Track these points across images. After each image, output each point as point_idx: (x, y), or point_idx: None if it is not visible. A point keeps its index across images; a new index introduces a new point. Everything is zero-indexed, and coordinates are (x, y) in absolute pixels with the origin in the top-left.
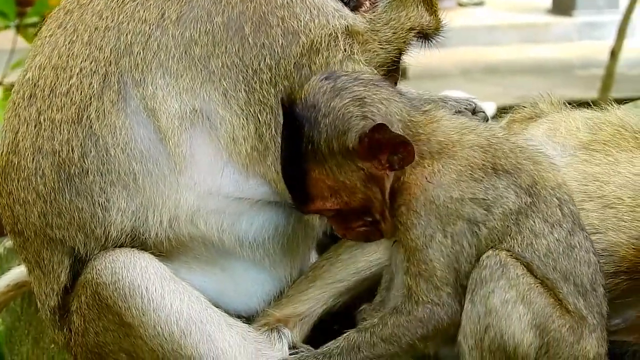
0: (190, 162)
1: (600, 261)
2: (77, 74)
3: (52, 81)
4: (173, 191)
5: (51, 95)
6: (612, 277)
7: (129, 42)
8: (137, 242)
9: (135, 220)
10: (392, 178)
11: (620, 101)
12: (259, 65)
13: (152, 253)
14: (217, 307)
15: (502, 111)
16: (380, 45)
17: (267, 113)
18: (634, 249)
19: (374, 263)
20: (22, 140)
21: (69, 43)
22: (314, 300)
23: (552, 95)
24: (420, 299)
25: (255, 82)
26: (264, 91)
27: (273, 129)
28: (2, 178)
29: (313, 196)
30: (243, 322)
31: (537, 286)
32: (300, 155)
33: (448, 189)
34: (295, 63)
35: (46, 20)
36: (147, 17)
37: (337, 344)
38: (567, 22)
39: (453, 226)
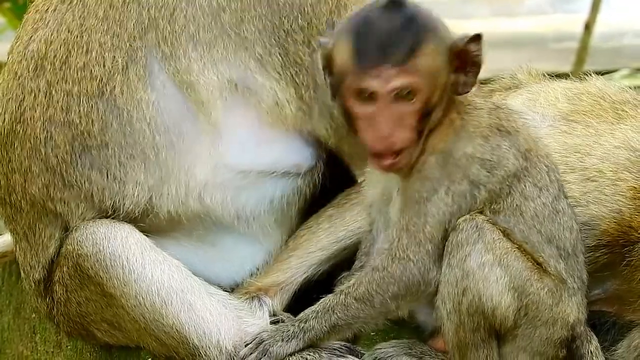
0: (224, 133)
1: (582, 235)
2: (96, 49)
3: (63, 55)
4: (193, 165)
5: (63, 68)
6: (593, 251)
7: (152, 17)
8: (145, 217)
9: (151, 195)
10: (437, 114)
11: (594, 74)
12: (291, 26)
13: (145, 229)
14: (197, 277)
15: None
16: None
17: (303, 75)
18: (615, 222)
19: (355, 232)
20: (29, 110)
21: (79, 18)
22: (295, 269)
23: (530, 66)
24: (397, 254)
25: (289, 44)
26: (299, 52)
27: (312, 90)
28: (1, 146)
29: (412, 63)
30: (224, 291)
31: (513, 250)
32: (420, 26)
33: (465, 143)
34: (326, 21)
35: None
36: None
37: (313, 308)
38: None
39: (458, 185)
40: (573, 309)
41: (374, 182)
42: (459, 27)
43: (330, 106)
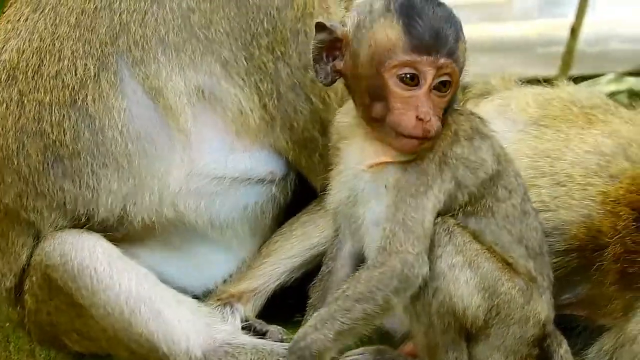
0: (194, 139)
1: (552, 239)
2: (69, 57)
3: (35, 64)
4: (166, 172)
5: (35, 77)
6: (563, 255)
7: (124, 21)
8: (120, 225)
9: (125, 203)
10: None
11: (581, 78)
12: (257, 29)
13: (116, 239)
14: (170, 285)
15: (463, 91)
16: None
17: (267, 82)
18: (584, 227)
19: (328, 238)
20: (1, 120)
21: (52, 26)
22: (268, 276)
23: (504, 72)
24: (395, 248)
25: (254, 48)
26: (263, 57)
27: (275, 99)
28: None
29: (456, 56)
30: (194, 298)
31: (484, 252)
32: (459, 22)
33: (456, 144)
34: (290, 28)
35: (11, 4)
36: None
37: (309, 323)
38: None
39: (448, 183)
40: (544, 307)
41: (339, 185)
42: None
43: (292, 118)
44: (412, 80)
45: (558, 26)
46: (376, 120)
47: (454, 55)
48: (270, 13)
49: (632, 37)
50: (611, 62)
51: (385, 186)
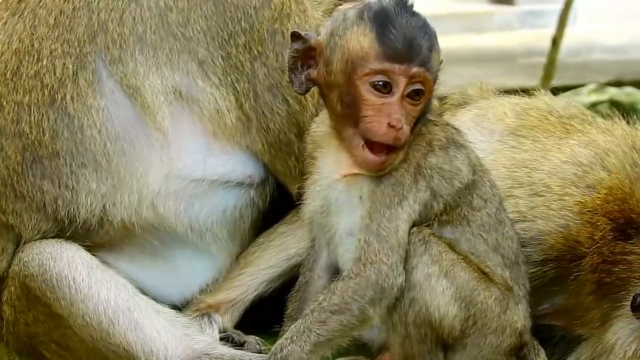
0: (172, 138)
1: (529, 250)
2: (47, 57)
3: (14, 65)
4: (144, 172)
5: (14, 78)
6: (540, 265)
7: (102, 20)
8: (101, 228)
9: (105, 203)
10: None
11: (562, 89)
12: (234, 28)
13: (97, 244)
14: (145, 295)
15: (441, 101)
16: None
17: (244, 82)
18: (562, 237)
19: (305, 249)
20: None
21: (30, 27)
22: (246, 287)
23: (482, 81)
24: (369, 258)
25: (231, 47)
26: (240, 56)
27: (252, 100)
28: None
29: (429, 65)
30: (172, 308)
31: (460, 262)
32: (433, 32)
33: (431, 154)
34: (267, 28)
35: None
36: None
37: (286, 335)
38: (509, 10)
39: (423, 193)
40: (520, 316)
41: (313, 194)
42: None
43: (268, 119)
44: (385, 88)
45: (539, 37)
46: (348, 128)
47: (427, 65)
48: (247, 12)
49: (613, 47)
50: (592, 72)
51: (360, 197)
